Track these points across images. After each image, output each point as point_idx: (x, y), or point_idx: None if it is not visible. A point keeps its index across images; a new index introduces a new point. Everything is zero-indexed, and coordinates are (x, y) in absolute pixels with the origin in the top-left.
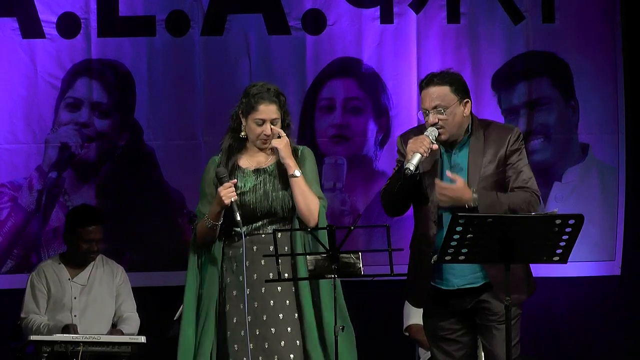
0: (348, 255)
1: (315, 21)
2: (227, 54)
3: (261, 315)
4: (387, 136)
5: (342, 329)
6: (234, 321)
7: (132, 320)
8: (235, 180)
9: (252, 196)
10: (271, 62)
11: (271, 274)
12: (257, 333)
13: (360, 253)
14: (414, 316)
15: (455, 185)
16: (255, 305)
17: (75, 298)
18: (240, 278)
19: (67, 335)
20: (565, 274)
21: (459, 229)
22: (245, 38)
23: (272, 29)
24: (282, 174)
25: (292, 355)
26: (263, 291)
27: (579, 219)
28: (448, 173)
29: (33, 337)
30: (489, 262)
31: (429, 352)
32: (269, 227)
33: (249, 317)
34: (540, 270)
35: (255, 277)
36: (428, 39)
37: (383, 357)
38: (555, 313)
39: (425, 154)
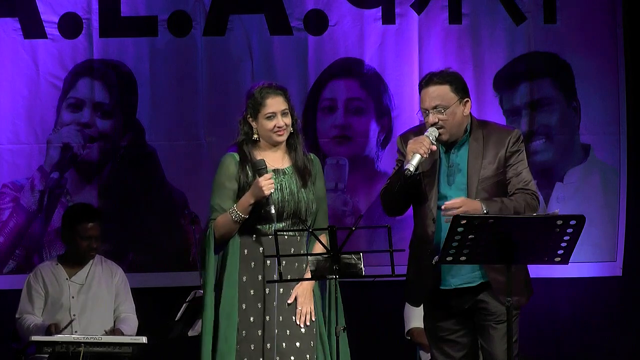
0: (349, 256)
1: (317, 22)
2: (229, 54)
3: (278, 315)
4: (389, 137)
5: (344, 329)
6: (251, 320)
7: (130, 321)
8: (272, 173)
9: (279, 195)
10: (273, 62)
11: (289, 276)
12: (276, 333)
13: (361, 254)
14: (415, 319)
15: (461, 199)
16: (274, 305)
17: (73, 297)
18: (260, 277)
19: (69, 335)
20: (567, 274)
21: (460, 229)
22: (247, 38)
23: (274, 30)
24: (300, 175)
25: (307, 356)
26: (281, 292)
27: (581, 219)
28: (446, 204)
29: (34, 338)
30: (491, 262)
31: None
32: (292, 228)
33: (267, 316)
34: (541, 270)
35: (274, 277)
36: (430, 40)
37: (384, 359)
38: (556, 314)
39: (425, 155)
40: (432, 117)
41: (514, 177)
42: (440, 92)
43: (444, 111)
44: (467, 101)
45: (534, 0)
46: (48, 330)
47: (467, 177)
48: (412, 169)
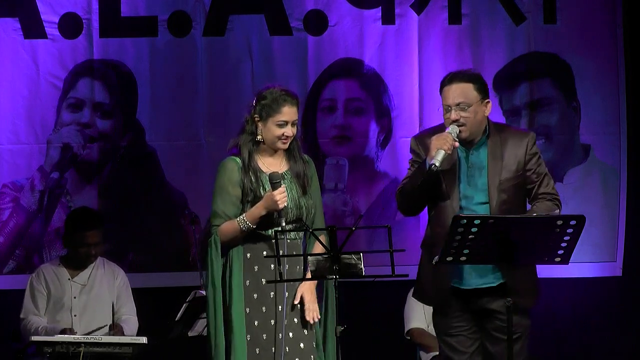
0: (349, 256)
1: (317, 22)
2: (229, 54)
3: (283, 318)
4: (389, 137)
5: (343, 329)
6: (255, 324)
7: (130, 322)
8: (284, 185)
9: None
10: (273, 62)
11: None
12: (280, 337)
13: (361, 254)
14: (415, 320)
15: None
16: (279, 309)
17: (75, 298)
18: (263, 281)
19: (69, 335)
20: (567, 274)
21: (460, 229)
22: (247, 39)
23: (273, 30)
24: (299, 182)
25: (312, 357)
26: (287, 295)
27: (581, 220)
28: None
29: (34, 338)
30: (491, 263)
31: (431, 355)
32: (294, 232)
33: (271, 320)
34: (541, 271)
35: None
36: (430, 40)
37: (384, 359)
38: (556, 314)
39: (449, 151)
40: (454, 114)
41: (538, 181)
42: (464, 90)
43: (467, 108)
44: (488, 102)
45: (534, 0)
46: (63, 332)
47: (487, 178)
48: (437, 163)
